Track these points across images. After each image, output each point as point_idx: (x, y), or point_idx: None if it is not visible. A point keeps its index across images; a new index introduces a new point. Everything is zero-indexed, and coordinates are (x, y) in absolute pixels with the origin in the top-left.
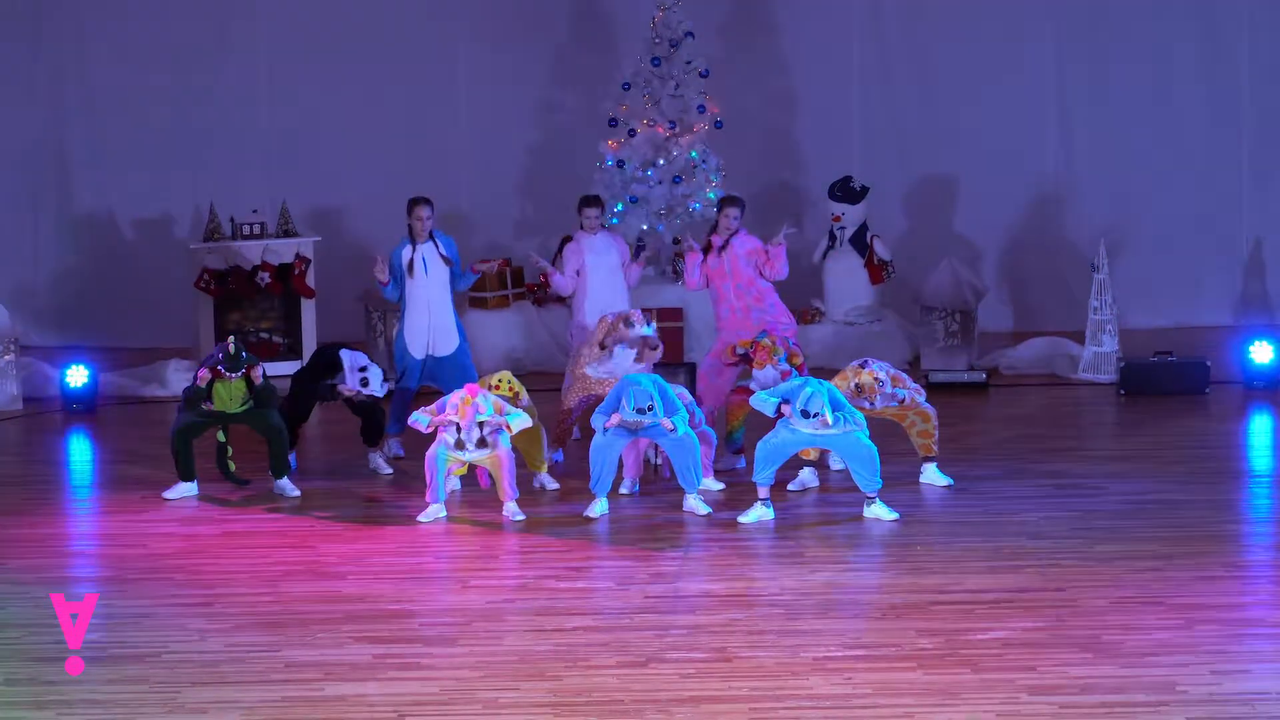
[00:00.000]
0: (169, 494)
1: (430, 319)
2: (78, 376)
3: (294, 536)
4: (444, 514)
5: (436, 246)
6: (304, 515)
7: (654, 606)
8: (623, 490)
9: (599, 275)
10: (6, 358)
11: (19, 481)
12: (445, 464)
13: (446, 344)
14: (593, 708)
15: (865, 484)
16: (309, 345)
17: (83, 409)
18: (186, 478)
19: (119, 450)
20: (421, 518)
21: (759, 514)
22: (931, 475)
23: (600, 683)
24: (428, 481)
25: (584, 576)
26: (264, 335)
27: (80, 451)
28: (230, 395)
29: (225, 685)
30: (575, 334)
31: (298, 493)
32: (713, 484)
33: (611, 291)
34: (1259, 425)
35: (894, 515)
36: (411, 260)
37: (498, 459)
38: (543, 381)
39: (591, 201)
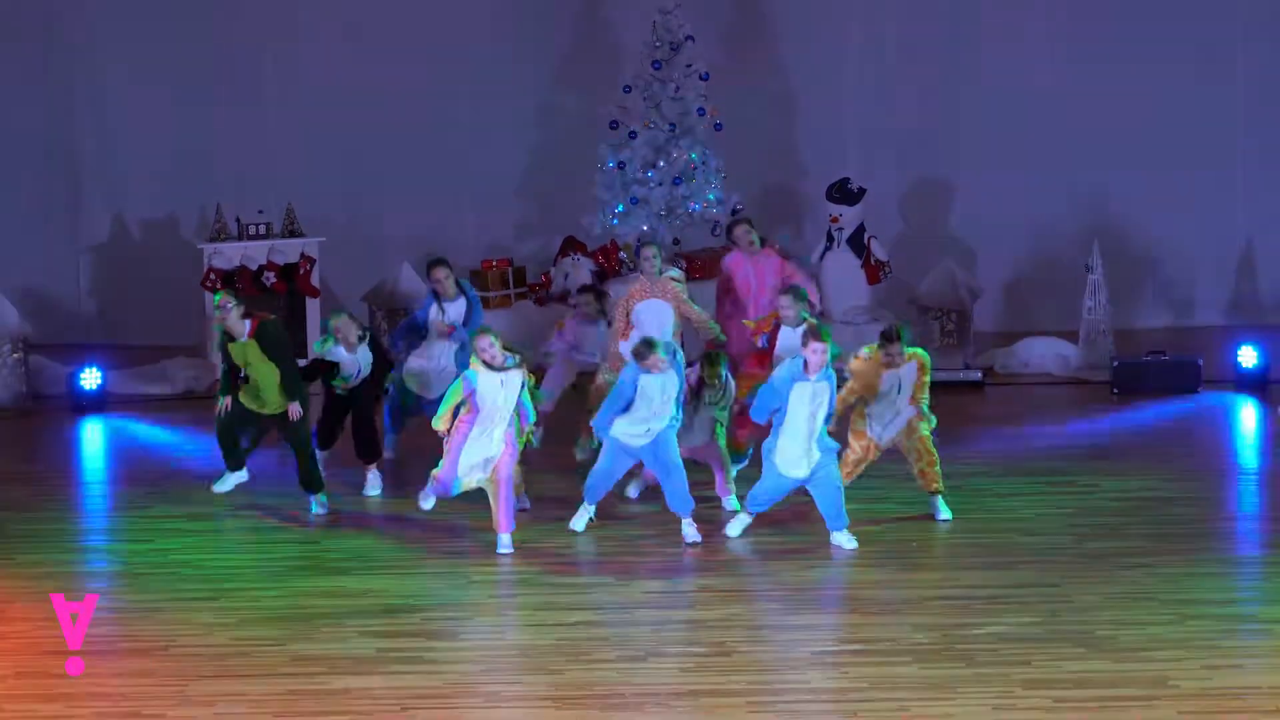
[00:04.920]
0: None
1: (434, 362)
2: (86, 375)
3: (299, 532)
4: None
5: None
6: (308, 512)
7: (653, 601)
8: (629, 494)
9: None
10: (16, 356)
11: (28, 478)
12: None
13: (440, 389)
14: (593, 701)
15: (831, 522)
16: (314, 344)
17: (91, 406)
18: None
19: (126, 447)
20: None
21: (743, 524)
22: (939, 507)
23: (601, 676)
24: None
25: (584, 572)
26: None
27: (88, 448)
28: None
29: (232, 678)
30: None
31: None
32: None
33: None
34: (1250, 423)
35: (854, 544)
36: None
37: (496, 482)
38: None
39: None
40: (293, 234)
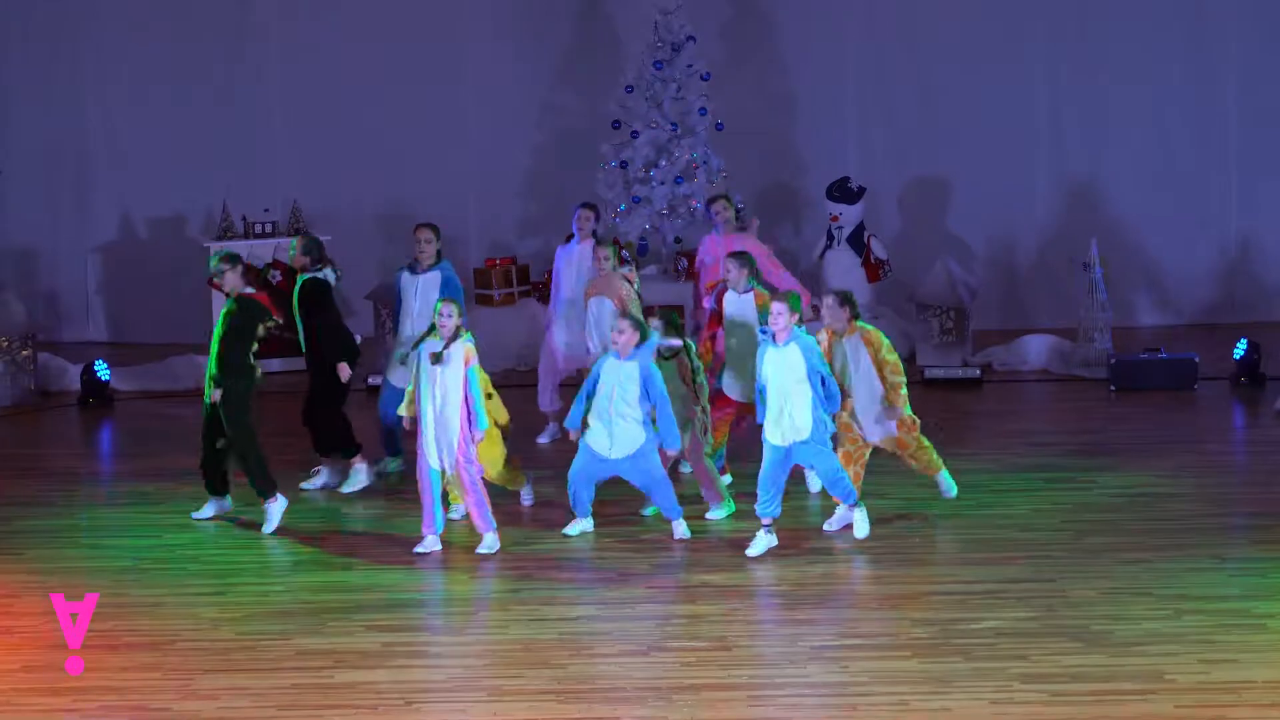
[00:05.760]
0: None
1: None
2: (93, 371)
3: (303, 528)
4: (439, 546)
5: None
6: (312, 508)
7: (655, 596)
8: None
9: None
10: (24, 352)
11: (36, 473)
12: (439, 487)
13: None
14: (596, 695)
15: (841, 495)
16: None
17: (98, 403)
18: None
19: (133, 443)
20: (419, 549)
21: (765, 543)
22: (945, 483)
23: (603, 670)
24: (423, 507)
25: (586, 567)
26: (275, 332)
27: (95, 444)
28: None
29: (237, 673)
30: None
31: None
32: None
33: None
34: (1246, 420)
35: (865, 532)
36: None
37: (462, 485)
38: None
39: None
40: (298, 232)
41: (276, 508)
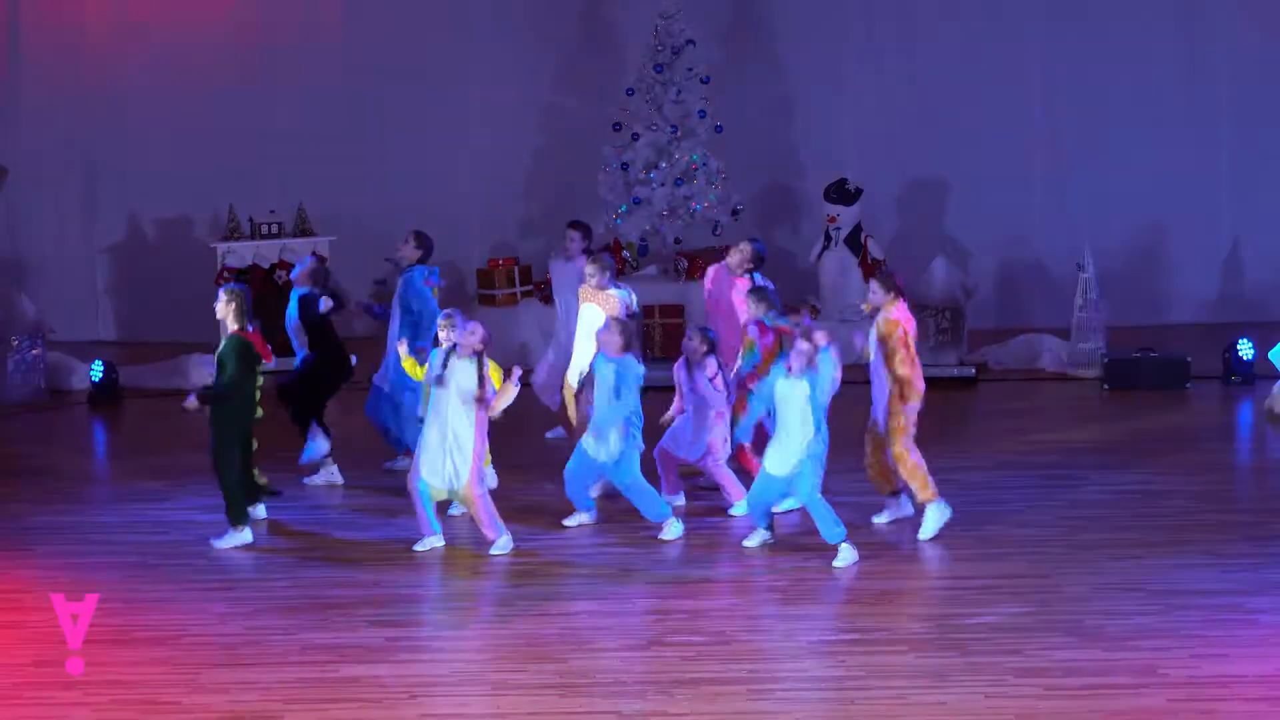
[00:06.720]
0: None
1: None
2: (102, 370)
3: (309, 525)
4: (441, 543)
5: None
6: (317, 504)
7: (655, 591)
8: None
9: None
10: (34, 351)
11: (45, 471)
12: (429, 495)
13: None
14: (597, 689)
15: (826, 535)
16: None
17: (107, 401)
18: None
19: (141, 441)
20: (418, 548)
21: (761, 538)
22: (931, 520)
23: (604, 665)
24: (417, 514)
25: (588, 563)
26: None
27: (104, 442)
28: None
29: (244, 667)
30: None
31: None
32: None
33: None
34: (1237, 419)
35: (854, 559)
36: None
37: (471, 498)
38: None
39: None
40: (304, 233)
41: (238, 536)
